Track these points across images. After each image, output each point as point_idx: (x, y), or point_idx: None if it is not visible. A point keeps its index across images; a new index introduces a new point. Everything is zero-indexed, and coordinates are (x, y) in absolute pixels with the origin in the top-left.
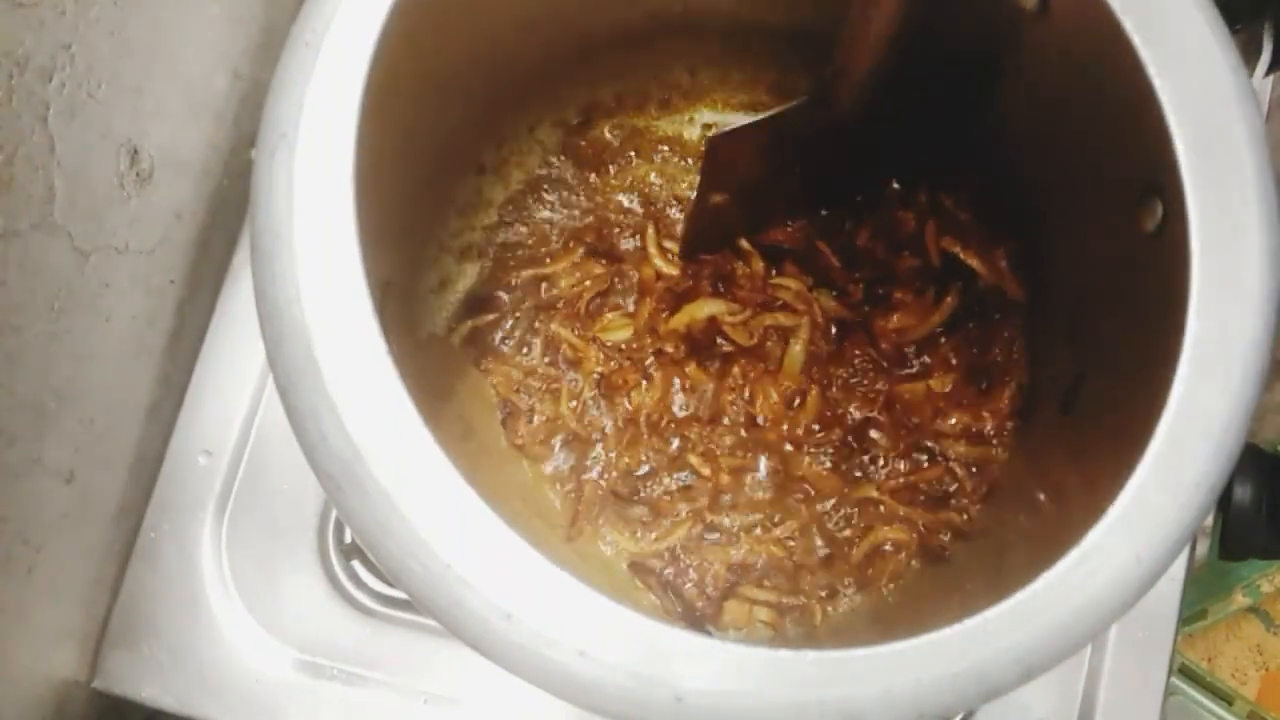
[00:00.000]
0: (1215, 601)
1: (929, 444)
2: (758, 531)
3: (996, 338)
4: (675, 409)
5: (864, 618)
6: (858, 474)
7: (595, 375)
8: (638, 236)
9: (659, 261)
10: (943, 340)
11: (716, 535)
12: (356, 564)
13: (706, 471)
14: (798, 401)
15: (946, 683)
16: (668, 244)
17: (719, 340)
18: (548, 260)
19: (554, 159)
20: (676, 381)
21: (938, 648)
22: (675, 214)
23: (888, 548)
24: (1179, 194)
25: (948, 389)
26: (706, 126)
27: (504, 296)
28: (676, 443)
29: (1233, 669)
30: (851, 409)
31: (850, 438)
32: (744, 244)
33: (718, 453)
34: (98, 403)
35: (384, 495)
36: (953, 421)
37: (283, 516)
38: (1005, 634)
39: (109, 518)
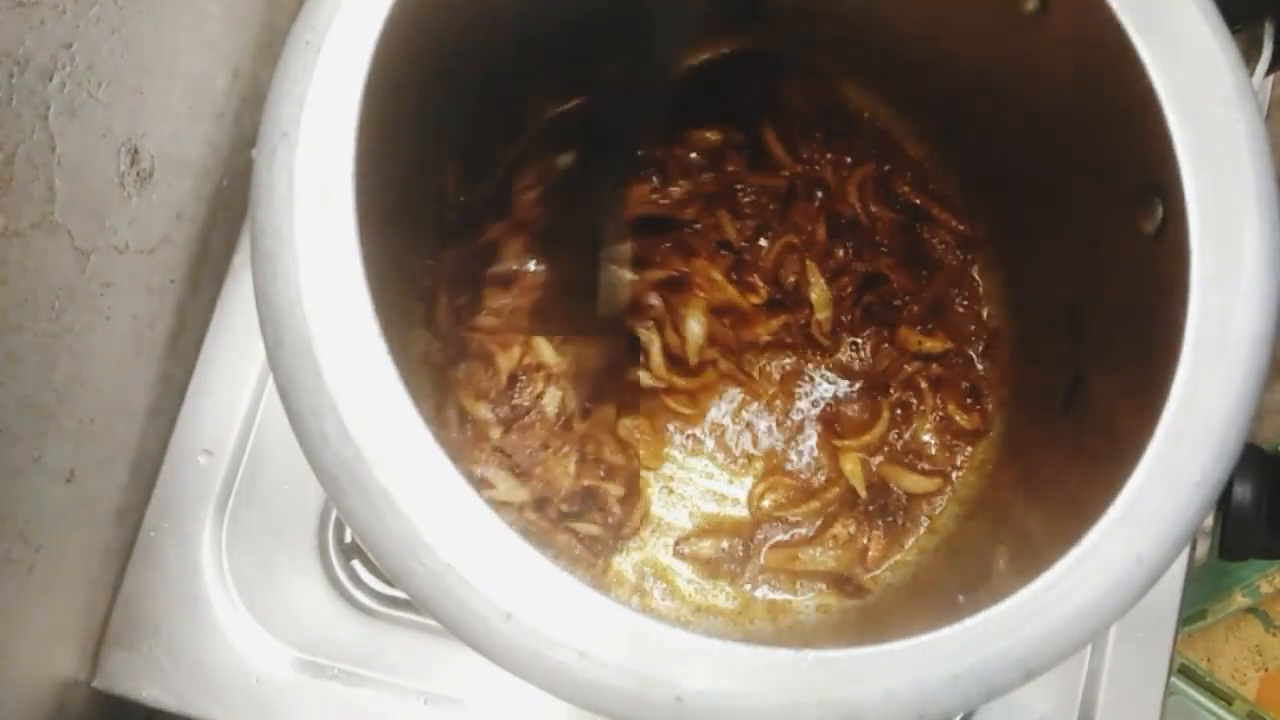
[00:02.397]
0: (1215, 601)
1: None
2: None
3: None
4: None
5: (863, 618)
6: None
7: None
8: None
9: None
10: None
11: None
12: (356, 564)
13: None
14: None
15: (946, 683)
16: None
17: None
18: None
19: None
20: None
21: (938, 648)
22: None
23: None
24: (1179, 194)
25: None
26: None
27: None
28: None
29: (1232, 669)
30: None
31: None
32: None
33: None
34: (98, 402)
35: (384, 495)
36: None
37: (283, 516)
38: (1005, 634)
39: (109, 517)
